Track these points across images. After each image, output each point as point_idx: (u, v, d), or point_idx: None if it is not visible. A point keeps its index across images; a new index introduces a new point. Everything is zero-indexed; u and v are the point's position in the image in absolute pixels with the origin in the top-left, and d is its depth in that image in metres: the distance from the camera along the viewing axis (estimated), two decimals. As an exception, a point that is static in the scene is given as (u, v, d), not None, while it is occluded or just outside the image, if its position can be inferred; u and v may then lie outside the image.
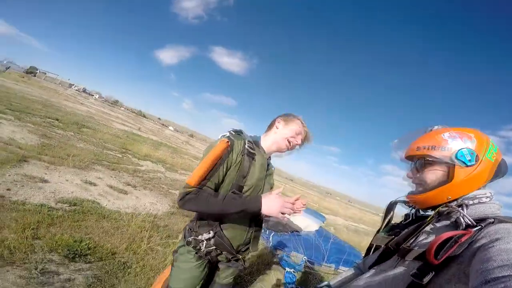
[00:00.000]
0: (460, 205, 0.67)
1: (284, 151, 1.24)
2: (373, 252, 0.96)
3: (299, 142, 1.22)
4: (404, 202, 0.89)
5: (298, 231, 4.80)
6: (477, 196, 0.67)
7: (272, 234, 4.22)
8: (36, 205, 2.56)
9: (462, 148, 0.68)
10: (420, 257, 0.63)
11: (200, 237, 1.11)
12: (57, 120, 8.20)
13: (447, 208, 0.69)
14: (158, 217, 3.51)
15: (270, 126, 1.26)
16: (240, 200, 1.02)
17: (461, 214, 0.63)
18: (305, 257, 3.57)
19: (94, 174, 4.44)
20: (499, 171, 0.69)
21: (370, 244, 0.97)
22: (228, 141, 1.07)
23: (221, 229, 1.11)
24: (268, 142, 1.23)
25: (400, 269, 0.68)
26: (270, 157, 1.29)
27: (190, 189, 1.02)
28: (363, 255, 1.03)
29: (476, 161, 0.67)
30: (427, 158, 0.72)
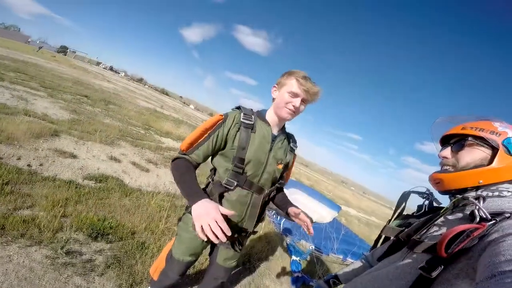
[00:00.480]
0: (477, 198, 0.66)
1: (289, 118, 1.12)
2: (381, 244, 0.94)
3: (298, 104, 1.09)
4: (419, 193, 0.90)
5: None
6: (498, 189, 0.65)
7: (283, 220, 4.15)
8: (65, 182, 2.68)
9: (510, 137, 0.67)
10: (430, 250, 0.63)
11: None
12: (86, 97, 8.58)
13: (464, 200, 0.69)
14: (176, 197, 3.56)
15: (272, 98, 1.19)
16: (190, 188, 0.96)
17: (477, 207, 0.61)
18: (312, 246, 3.55)
19: (119, 150, 4.60)
20: None
21: (379, 235, 0.95)
22: (222, 115, 1.10)
23: (220, 202, 1.09)
24: (271, 113, 1.16)
25: (408, 262, 0.67)
26: (282, 129, 1.21)
27: (179, 155, 1.07)
28: (371, 246, 1.01)
29: None
30: (470, 139, 0.71)
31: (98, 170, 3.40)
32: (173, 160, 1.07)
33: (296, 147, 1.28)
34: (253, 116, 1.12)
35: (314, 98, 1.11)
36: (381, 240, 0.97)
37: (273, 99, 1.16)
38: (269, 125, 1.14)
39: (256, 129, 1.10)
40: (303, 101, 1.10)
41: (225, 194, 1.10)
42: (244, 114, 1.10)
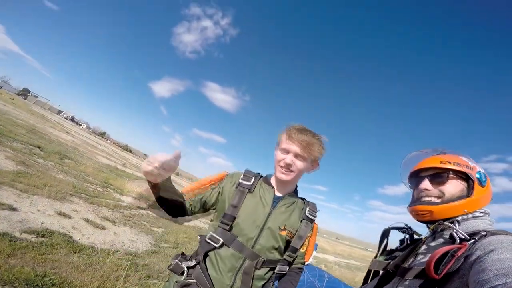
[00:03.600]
0: (452, 222, 0.75)
1: (285, 178, 1.07)
2: (371, 279, 0.97)
3: (289, 160, 1.04)
4: (398, 229, 0.99)
5: None
6: (472, 211, 0.77)
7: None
8: (-3, 234, 2.39)
9: (479, 170, 0.82)
10: (421, 275, 0.68)
11: (183, 263, 1.04)
12: (39, 148, 8.18)
13: (440, 225, 0.78)
14: (138, 255, 3.28)
15: None
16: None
17: (454, 230, 0.70)
18: None
19: (70, 207, 4.26)
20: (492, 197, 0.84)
21: (368, 270, 0.99)
22: (227, 172, 1.19)
23: (205, 262, 1.04)
24: (274, 176, 1.14)
25: None
26: (293, 193, 1.16)
27: None
28: (362, 283, 1.03)
29: (486, 183, 0.80)
30: (451, 173, 0.82)
31: (42, 224, 3.10)
32: None
33: (315, 216, 1.16)
34: (253, 178, 1.12)
35: (310, 151, 1.04)
36: (371, 276, 1.01)
37: None
38: (272, 187, 1.12)
39: (255, 190, 1.10)
40: (298, 156, 1.05)
41: (211, 253, 1.04)
42: (244, 175, 1.13)
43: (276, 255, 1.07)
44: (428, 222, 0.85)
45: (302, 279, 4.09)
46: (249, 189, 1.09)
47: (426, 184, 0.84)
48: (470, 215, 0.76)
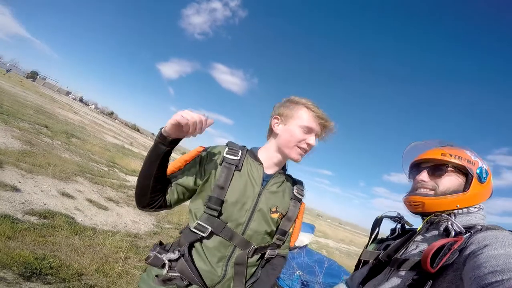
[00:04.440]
0: (449, 214, 0.76)
1: (299, 160, 0.98)
2: (360, 268, 0.97)
3: (313, 142, 0.94)
4: (390, 218, 0.99)
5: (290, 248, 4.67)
6: (465, 206, 0.77)
7: None
8: (-1, 216, 2.43)
9: (481, 166, 0.80)
10: (416, 267, 0.68)
11: (164, 255, 0.93)
12: (46, 127, 8.28)
13: (437, 217, 0.78)
14: (139, 237, 3.35)
15: (269, 131, 1.05)
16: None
17: (451, 222, 0.70)
18: (299, 272, 3.41)
19: (74, 187, 4.33)
20: (492, 193, 0.83)
21: (358, 260, 1.00)
22: (203, 147, 1.01)
23: (190, 254, 0.93)
24: (269, 151, 1.01)
25: (394, 281, 0.71)
26: (282, 170, 1.05)
27: None
28: (353, 272, 1.03)
29: (486, 180, 0.79)
30: (451, 167, 0.80)
31: (44, 205, 3.15)
32: None
33: (303, 195, 1.08)
34: (240, 152, 0.98)
35: (328, 134, 0.99)
36: (361, 265, 1.00)
37: (274, 134, 1.01)
38: (261, 163, 0.99)
39: (243, 167, 0.97)
40: (317, 138, 0.97)
41: (196, 244, 0.94)
42: (229, 148, 0.98)
43: (268, 240, 1.00)
44: (421, 214, 0.85)
45: (301, 262, 4.18)
46: (236, 166, 0.95)
47: (423, 175, 0.84)
48: (465, 210, 0.77)
